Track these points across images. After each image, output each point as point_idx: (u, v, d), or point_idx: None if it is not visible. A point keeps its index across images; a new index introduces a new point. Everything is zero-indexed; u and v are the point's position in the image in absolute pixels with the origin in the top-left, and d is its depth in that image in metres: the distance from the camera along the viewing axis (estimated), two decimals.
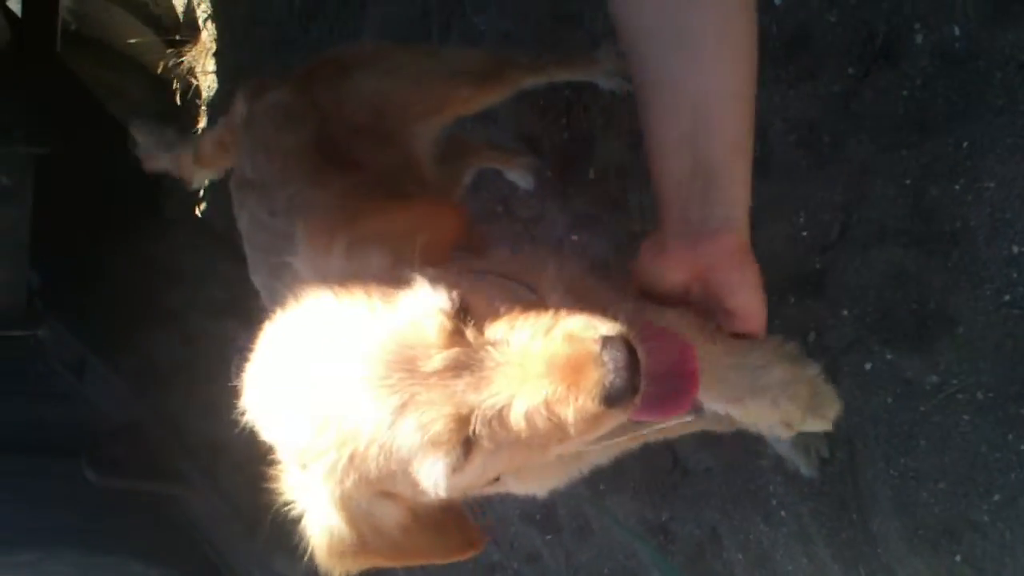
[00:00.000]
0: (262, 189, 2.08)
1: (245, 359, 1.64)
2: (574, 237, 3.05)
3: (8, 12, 3.83)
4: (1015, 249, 1.89)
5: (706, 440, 2.45)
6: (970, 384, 1.98)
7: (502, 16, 3.30)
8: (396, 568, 1.42)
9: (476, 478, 1.18)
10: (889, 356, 2.15)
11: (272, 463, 1.29)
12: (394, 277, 1.20)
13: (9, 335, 3.72)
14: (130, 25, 5.47)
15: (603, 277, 1.59)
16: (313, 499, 1.24)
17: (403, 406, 1.08)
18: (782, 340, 1.52)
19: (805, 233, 2.33)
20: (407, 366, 1.09)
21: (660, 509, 2.70)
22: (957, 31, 1.99)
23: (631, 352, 1.10)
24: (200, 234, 4.99)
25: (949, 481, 2.01)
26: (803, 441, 2.25)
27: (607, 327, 1.13)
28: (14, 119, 3.36)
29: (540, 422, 1.09)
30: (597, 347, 1.10)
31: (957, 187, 1.99)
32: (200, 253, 4.58)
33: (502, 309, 1.19)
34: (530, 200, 3.19)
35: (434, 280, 1.17)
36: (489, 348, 1.12)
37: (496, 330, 1.15)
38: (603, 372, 1.08)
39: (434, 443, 1.08)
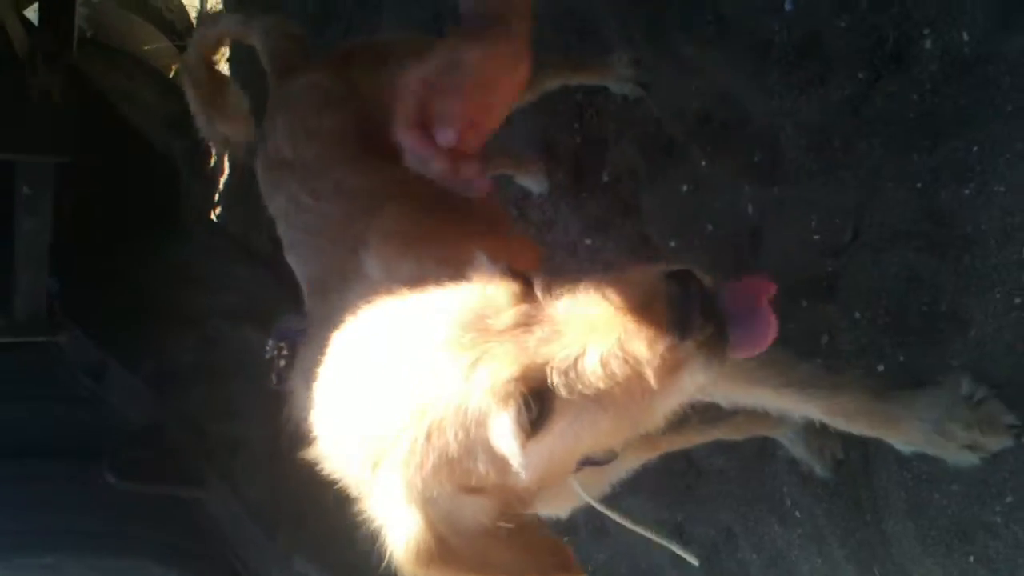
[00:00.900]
0: (303, 171, 2.08)
1: (283, 363, 1.67)
2: (587, 241, 3.07)
3: (25, 20, 3.87)
4: None
5: (720, 443, 2.46)
6: (980, 384, 1.99)
7: None
8: None
9: (560, 450, 1.14)
10: (902, 358, 2.16)
11: (306, 463, 1.28)
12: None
13: (30, 341, 3.77)
14: (145, 31, 5.52)
15: None
16: (389, 499, 1.17)
17: (475, 362, 1.05)
18: None
19: (817, 237, 2.34)
20: (480, 325, 1.07)
21: (675, 511, 2.73)
22: (966, 36, 2.01)
23: (698, 280, 1.08)
24: (216, 239, 5.04)
25: (962, 483, 2.02)
26: (818, 442, 2.27)
27: (672, 266, 1.11)
28: (32, 128, 3.41)
29: (617, 367, 1.06)
30: (661, 280, 1.08)
31: (967, 191, 2.01)
32: (216, 258, 4.63)
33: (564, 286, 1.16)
34: (543, 204, 3.22)
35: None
36: (557, 304, 1.11)
37: (564, 290, 1.14)
38: (669, 297, 1.06)
39: (499, 394, 1.04)
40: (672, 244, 2.75)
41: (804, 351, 2.22)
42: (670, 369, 1.08)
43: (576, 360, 1.06)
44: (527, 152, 3.20)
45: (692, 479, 2.68)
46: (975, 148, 2.00)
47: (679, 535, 2.74)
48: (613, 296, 1.09)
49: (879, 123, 2.20)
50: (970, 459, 1.95)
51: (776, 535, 2.45)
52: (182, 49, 5.55)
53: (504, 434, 1.05)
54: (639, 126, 2.87)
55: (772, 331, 1.16)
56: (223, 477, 4.22)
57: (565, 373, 1.06)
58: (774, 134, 2.45)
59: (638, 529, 1.53)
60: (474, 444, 1.08)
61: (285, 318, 1.82)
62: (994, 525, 1.97)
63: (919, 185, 2.11)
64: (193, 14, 5.81)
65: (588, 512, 3.09)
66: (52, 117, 3.51)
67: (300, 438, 1.30)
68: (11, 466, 3.77)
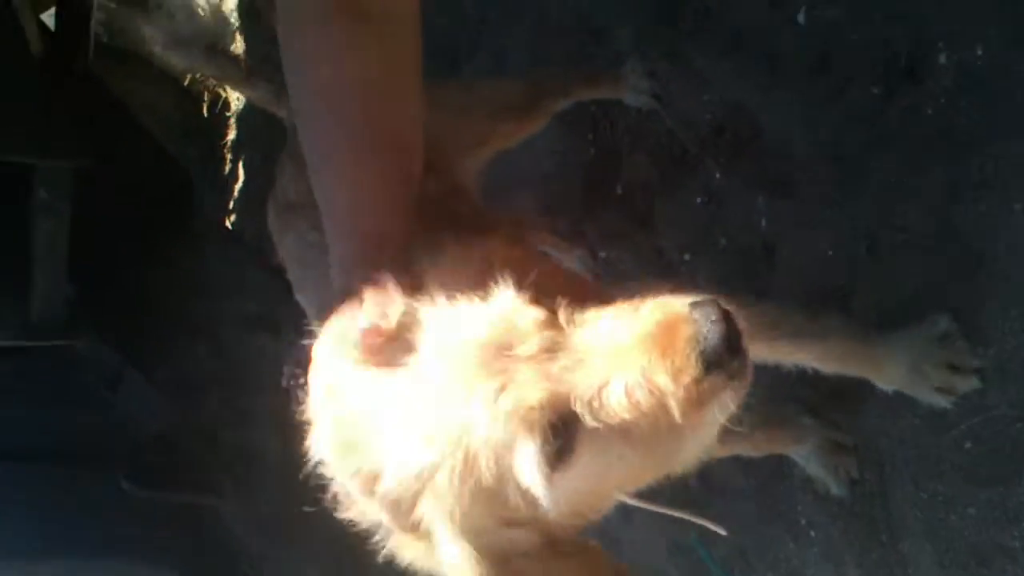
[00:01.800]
0: (304, 209, 2.10)
1: (298, 371, 1.65)
2: (602, 254, 3.05)
3: (42, 25, 3.89)
4: None
5: (736, 461, 2.44)
6: (999, 405, 1.96)
7: (529, 32, 3.32)
8: None
9: (586, 484, 1.12)
10: None
11: (313, 476, 1.25)
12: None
13: (47, 346, 3.78)
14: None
15: None
16: (436, 536, 1.15)
17: (501, 388, 1.03)
18: None
19: (831, 252, 2.32)
20: (505, 351, 1.06)
21: (688, 529, 2.70)
22: (980, 51, 1.98)
23: (724, 310, 1.06)
24: (231, 246, 5.05)
25: (979, 507, 2.00)
26: (833, 462, 2.25)
27: (696, 297, 1.09)
28: (51, 132, 3.42)
29: (642, 397, 1.04)
30: (686, 308, 1.07)
31: (983, 207, 1.98)
32: (232, 265, 4.64)
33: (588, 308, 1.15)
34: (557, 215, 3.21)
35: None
36: (581, 331, 1.10)
37: (586, 317, 1.12)
38: (695, 328, 1.05)
39: (524, 421, 1.03)
40: (686, 257, 2.73)
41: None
42: (695, 403, 1.06)
43: (600, 389, 1.04)
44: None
45: (707, 498, 2.65)
46: (990, 164, 1.97)
47: (692, 554, 2.72)
48: (637, 325, 1.07)
49: (893, 138, 2.17)
50: (941, 402, 2.01)
51: (791, 553, 2.43)
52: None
53: (528, 464, 1.04)
54: (653, 138, 2.85)
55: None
56: (237, 486, 4.24)
57: (589, 403, 1.04)
58: (788, 147, 2.43)
59: (663, 510, 1.51)
60: (505, 474, 1.06)
61: (300, 345, 1.81)
62: (1011, 549, 1.94)
63: (934, 202, 2.08)
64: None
65: (599, 527, 3.09)
66: (70, 122, 3.52)
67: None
68: (26, 470, 3.78)
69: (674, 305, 1.08)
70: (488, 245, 1.41)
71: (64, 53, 3.93)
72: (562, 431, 1.04)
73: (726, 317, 1.05)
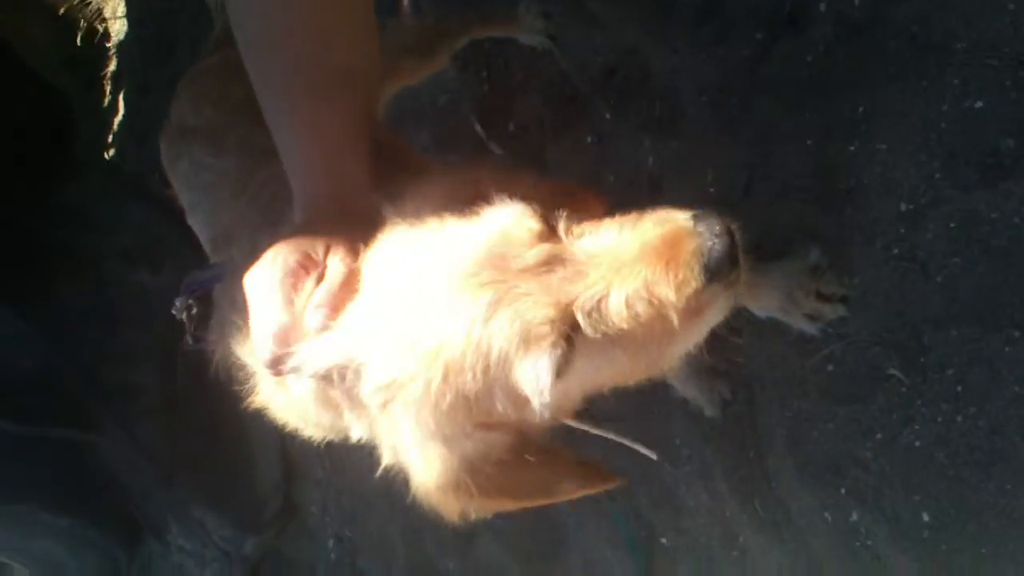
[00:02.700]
0: (206, 134, 2.09)
1: (196, 321, 1.64)
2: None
3: None
4: (903, 207, 2.04)
5: (614, 387, 2.56)
6: (861, 332, 2.14)
7: None
8: None
9: (579, 385, 1.15)
10: None
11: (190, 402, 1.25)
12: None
13: None
14: None
15: None
16: (405, 437, 1.17)
17: (497, 301, 1.03)
18: None
19: (712, 189, 2.45)
20: (499, 263, 1.06)
21: (572, 448, 2.82)
22: (857, 1, 2.12)
23: (726, 224, 1.09)
24: (111, 179, 4.89)
25: (838, 422, 2.18)
26: (707, 384, 2.40)
27: (695, 210, 1.11)
28: None
29: (642, 308, 1.06)
30: (689, 221, 1.08)
31: (852, 148, 2.13)
32: (111, 198, 4.49)
33: (586, 219, 1.16)
34: (453, 152, 3.26)
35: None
36: (580, 243, 1.10)
37: (585, 228, 1.13)
38: (699, 241, 1.06)
39: (536, 336, 1.03)
40: None
41: None
42: (694, 311, 1.09)
43: (600, 300, 1.06)
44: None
45: (588, 423, 2.77)
46: (861, 108, 2.13)
47: None
48: (638, 236, 1.09)
49: (774, 82, 2.30)
50: (810, 327, 2.17)
51: (665, 473, 2.58)
52: None
53: (537, 375, 1.04)
54: (546, 77, 2.92)
55: None
56: (119, 423, 4.15)
57: (589, 313, 1.06)
58: (675, 90, 2.54)
59: (596, 431, 1.57)
60: (493, 384, 1.07)
61: (191, 273, 1.80)
62: (864, 460, 2.13)
63: (809, 142, 2.23)
64: None
65: None
66: None
67: (198, 388, 1.27)
68: None
69: (677, 218, 1.10)
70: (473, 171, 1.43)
71: None
72: (568, 343, 1.06)
73: (728, 230, 1.09)
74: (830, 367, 2.19)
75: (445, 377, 1.06)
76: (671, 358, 1.23)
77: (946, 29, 1.98)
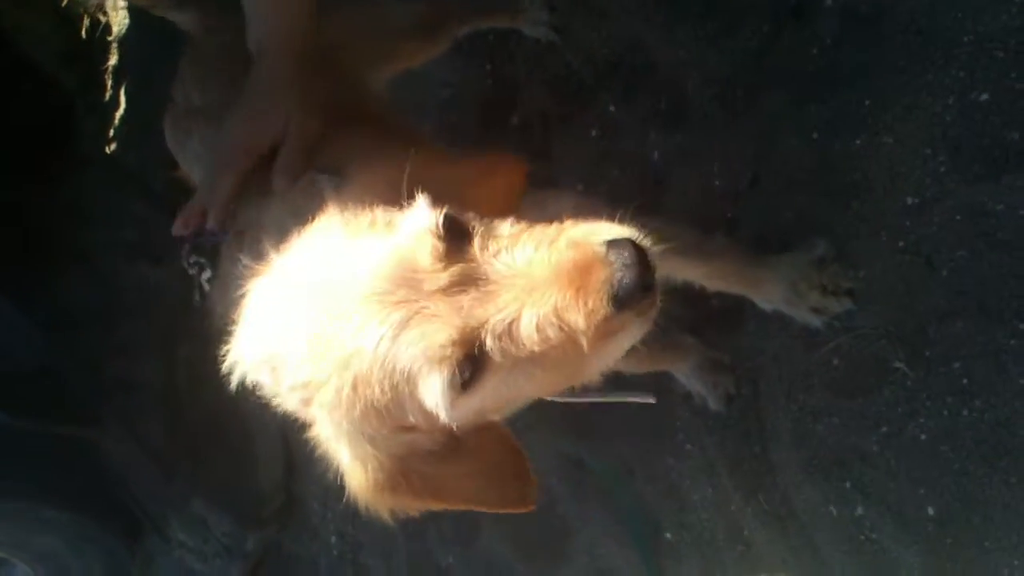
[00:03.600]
0: (209, 112, 2.09)
1: (205, 277, 1.66)
2: None
3: None
4: (909, 200, 2.04)
5: (619, 380, 2.56)
6: (866, 325, 2.13)
7: None
8: None
9: (495, 399, 1.15)
10: None
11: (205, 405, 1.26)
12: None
13: None
14: None
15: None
16: (331, 434, 1.19)
17: (406, 321, 1.05)
18: None
19: (718, 182, 2.45)
20: (412, 283, 1.07)
21: (576, 446, 2.83)
22: None
23: (639, 251, 1.07)
24: (113, 174, 4.88)
25: (843, 416, 2.17)
26: (712, 379, 2.39)
27: (614, 231, 1.10)
28: None
29: (552, 333, 1.06)
30: (603, 248, 1.07)
31: (858, 141, 2.13)
32: (112, 193, 4.49)
33: (507, 229, 1.16)
34: (453, 145, 3.25)
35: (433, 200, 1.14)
36: (494, 262, 1.10)
37: (501, 245, 1.13)
38: (609, 271, 1.05)
39: (434, 357, 1.04)
40: (579, 188, 2.81)
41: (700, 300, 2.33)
42: (604, 336, 1.09)
43: (511, 323, 1.06)
44: None
45: (592, 416, 2.77)
46: (867, 101, 2.12)
47: (580, 468, 2.85)
48: (552, 257, 1.08)
49: (780, 75, 2.30)
50: (815, 321, 2.17)
51: (670, 467, 2.58)
52: None
53: (435, 393, 1.06)
54: (550, 70, 2.91)
55: None
56: (120, 418, 4.15)
57: (499, 337, 1.06)
58: (681, 82, 2.54)
59: (597, 399, 1.57)
60: (402, 398, 1.09)
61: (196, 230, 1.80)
62: (870, 454, 2.12)
63: (815, 135, 2.22)
64: None
65: None
66: None
67: (198, 378, 1.28)
68: None
69: (591, 243, 1.09)
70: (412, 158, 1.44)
71: None
72: (471, 362, 1.07)
73: (641, 260, 1.07)
74: (835, 360, 2.19)
75: (354, 387, 1.08)
76: (588, 377, 1.23)
77: (952, 22, 1.98)
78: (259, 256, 1.25)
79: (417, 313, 1.05)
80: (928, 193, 2.01)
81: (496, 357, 1.07)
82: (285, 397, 1.20)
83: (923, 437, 2.03)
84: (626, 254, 1.06)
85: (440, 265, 1.08)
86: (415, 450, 1.22)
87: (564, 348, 1.08)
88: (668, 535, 2.61)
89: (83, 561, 4.60)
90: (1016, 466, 1.89)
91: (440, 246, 1.10)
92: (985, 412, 1.94)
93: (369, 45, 2.24)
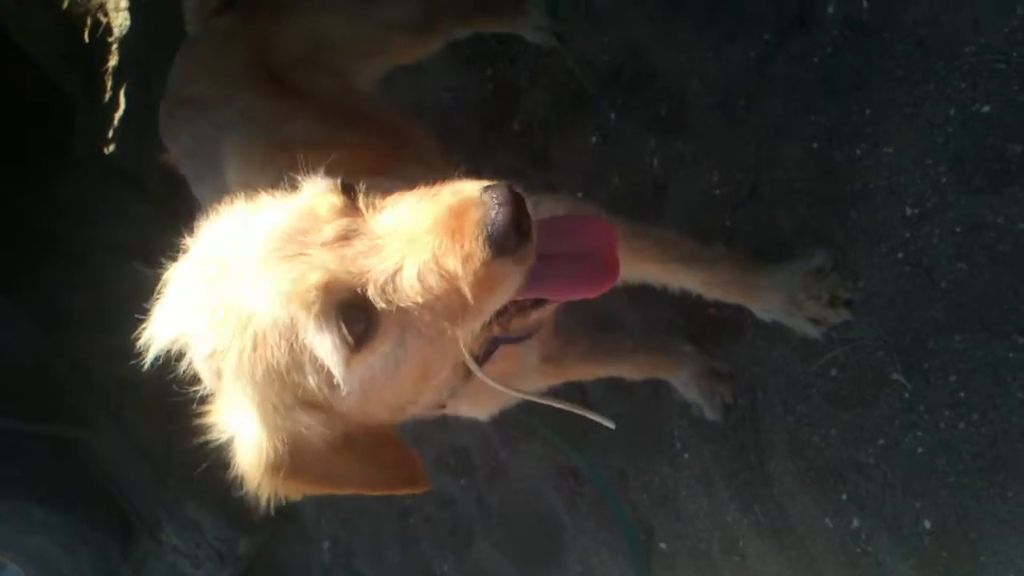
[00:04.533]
0: (203, 106, 2.10)
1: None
2: None
3: None
4: (909, 211, 2.02)
5: (617, 386, 2.55)
6: (865, 337, 2.12)
7: None
8: None
9: (385, 368, 1.15)
10: None
11: (188, 399, 1.27)
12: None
13: None
14: None
15: None
16: (233, 408, 1.20)
17: (294, 274, 1.07)
18: None
19: (718, 191, 2.44)
20: (300, 238, 1.09)
21: (571, 454, 2.81)
22: (865, 3, 2.11)
23: (514, 194, 1.08)
24: (109, 174, 4.87)
25: (840, 428, 2.16)
26: (709, 388, 2.38)
27: (490, 181, 1.12)
28: None
29: (433, 281, 1.07)
30: (478, 192, 1.09)
31: (859, 151, 2.12)
32: (109, 193, 4.48)
33: (396, 192, 1.18)
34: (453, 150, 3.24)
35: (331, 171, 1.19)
36: (380, 217, 1.13)
37: (388, 203, 1.16)
38: (483, 211, 1.07)
39: (304, 303, 1.06)
40: (579, 195, 2.81)
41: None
42: (485, 284, 1.10)
43: (394, 274, 1.08)
44: None
45: (588, 422, 2.75)
46: (868, 110, 2.11)
47: (574, 477, 2.83)
48: (432, 208, 1.10)
49: (781, 83, 2.29)
50: (813, 331, 2.15)
51: (666, 476, 2.56)
52: None
53: (326, 345, 1.08)
54: (551, 76, 2.90)
55: (616, 273, 1.22)
56: (113, 419, 4.13)
57: (383, 287, 1.08)
58: (681, 90, 2.53)
59: (554, 403, 1.57)
60: (300, 356, 1.10)
61: None
62: (866, 466, 2.11)
63: (815, 144, 2.21)
64: None
65: (484, 454, 3.17)
66: None
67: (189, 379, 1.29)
68: None
69: (467, 189, 1.11)
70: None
71: None
72: (362, 316, 1.08)
73: (515, 200, 1.08)
74: (833, 372, 2.18)
75: (254, 347, 1.10)
76: (467, 334, 1.20)
77: (954, 32, 1.97)
78: None
79: (305, 264, 1.08)
80: (928, 204, 2.00)
81: (380, 304, 1.08)
82: (201, 371, 1.21)
83: (920, 450, 2.02)
84: (499, 194, 1.07)
85: (332, 219, 1.11)
86: (314, 434, 1.20)
87: (449, 300, 1.09)
88: (663, 545, 2.59)
89: (75, 562, 4.59)
90: (1013, 480, 1.87)
91: (337, 200, 1.14)
92: (982, 426, 1.92)
93: (356, 36, 2.25)
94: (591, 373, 2.26)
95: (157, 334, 1.23)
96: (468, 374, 1.48)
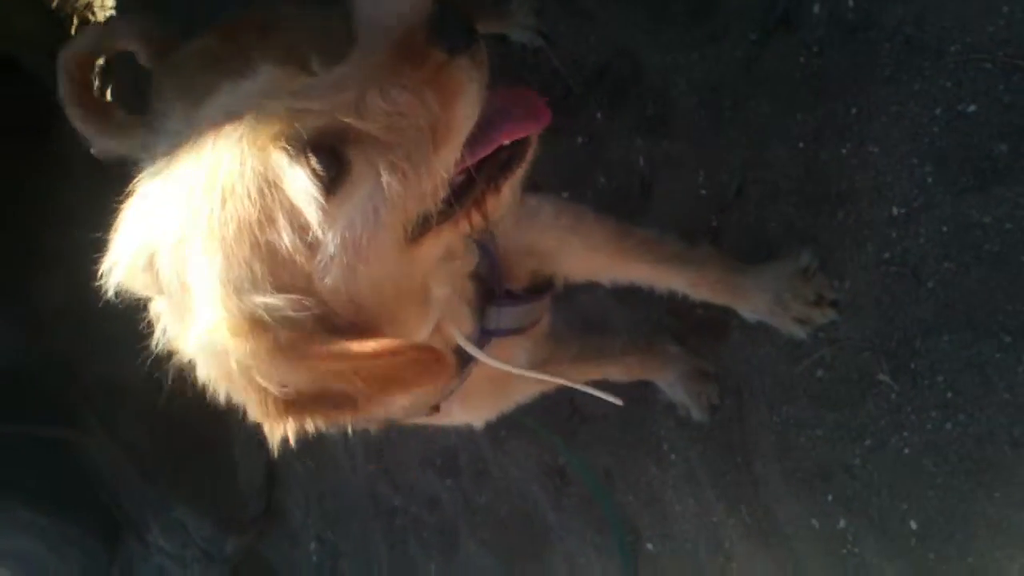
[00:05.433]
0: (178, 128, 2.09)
1: None
2: None
3: None
4: (895, 210, 2.02)
5: (604, 388, 2.54)
6: (851, 337, 2.12)
7: None
8: None
9: (365, 217, 1.09)
10: None
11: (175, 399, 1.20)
12: None
13: None
14: None
15: None
16: (201, 293, 1.10)
17: (257, 126, 1.08)
18: None
19: (704, 192, 2.43)
20: (262, 103, 1.11)
21: (557, 454, 2.81)
22: (851, 3, 2.10)
23: (455, 5, 1.11)
24: (94, 176, 4.83)
25: (826, 428, 2.15)
26: (696, 389, 2.37)
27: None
28: None
29: (397, 95, 1.08)
30: (421, 9, 1.11)
31: (845, 151, 2.11)
32: (94, 195, 4.43)
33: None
34: None
35: None
36: (335, 68, 1.15)
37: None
38: (432, 15, 1.10)
39: (275, 135, 1.06)
40: (565, 195, 2.79)
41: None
42: (448, 88, 1.11)
43: (357, 101, 1.08)
44: None
45: (575, 424, 2.75)
46: (854, 110, 2.10)
47: (560, 477, 2.83)
48: (384, 41, 1.12)
49: (767, 83, 2.28)
50: (799, 332, 2.15)
51: (652, 477, 2.55)
52: None
53: (299, 184, 1.05)
54: (537, 76, 2.89)
55: (546, 113, 1.30)
56: (101, 420, 4.10)
57: (349, 117, 1.08)
58: (667, 90, 2.52)
59: (558, 380, 1.56)
60: (272, 205, 1.06)
61: None
62: (853, 466, 2.11)
63: (801, 144, 2.21)
64: None
65: (471, 456, 3.16)
66: None
67: (180, 382, 1.24)
68: None
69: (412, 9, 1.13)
70: None
71: None
72: (332, 160, 1.07)
73: (460, 8, 1.12)
74: (819, 372, 2.17)
75: (223, 203, 1.06)
76: (444, 165, 1.15)
77: (940, 31, 1.96)
78: None
79: (268, 116, 1.08)
80: (914, 204, 2.00)
81: (349, 142, 1.08)
82: (166, 288, 1.16)
83: (907, 451, 2.02)
84: (445, 6, 1.11)
85: (289, 80, 1.14)
86: (289, 316, 1.09)
87: (416, 117, 1.09)
88: (649, 545, 2.59)
89: (62, 563, 4.57)
90: (1000, 481, 1.87)
91: (295, 68, 1.17)
92: (969, 426, 1.92)
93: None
94: (581, 376, 2.25)
95: (119, 256, 1.20)
96: (463, 362, 1.50)
